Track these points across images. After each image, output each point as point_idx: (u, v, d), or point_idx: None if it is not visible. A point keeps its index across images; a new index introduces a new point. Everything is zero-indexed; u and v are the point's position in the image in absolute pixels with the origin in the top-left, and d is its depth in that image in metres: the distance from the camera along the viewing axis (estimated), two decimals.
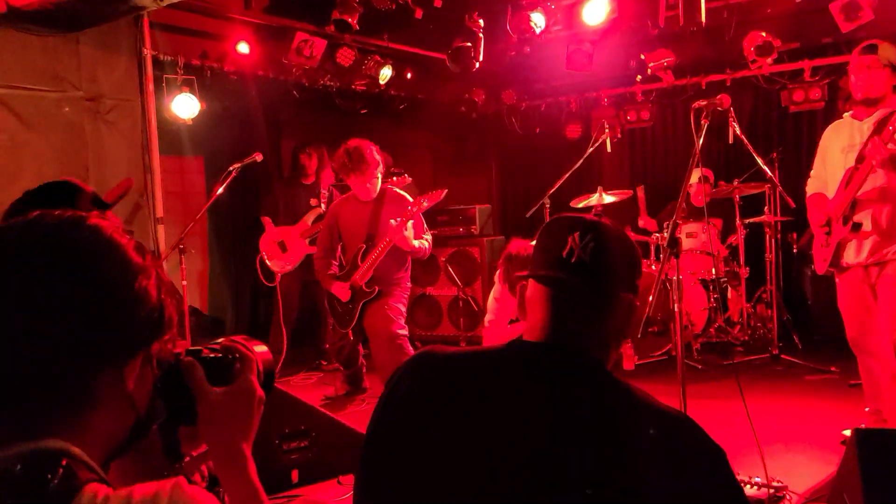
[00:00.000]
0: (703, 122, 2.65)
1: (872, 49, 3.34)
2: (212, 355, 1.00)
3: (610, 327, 1.23)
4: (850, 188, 3.38)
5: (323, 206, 5.74)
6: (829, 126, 3.69)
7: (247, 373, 1.01)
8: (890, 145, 3.13)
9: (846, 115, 3.58)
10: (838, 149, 3.50)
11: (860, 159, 3.33)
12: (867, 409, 3.50)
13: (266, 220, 5.72)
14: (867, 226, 3.34)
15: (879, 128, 3.25)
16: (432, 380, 1.24)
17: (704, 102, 2.70)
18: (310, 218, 5.71)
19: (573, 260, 1.19)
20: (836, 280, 3.57)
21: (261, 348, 1.06)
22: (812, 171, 3.73)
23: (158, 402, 0.94)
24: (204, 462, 1.07)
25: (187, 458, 1.02)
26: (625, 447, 1.09)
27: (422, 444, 1.17)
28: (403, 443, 1.19)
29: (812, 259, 3.76)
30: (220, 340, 1.04)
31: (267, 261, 5.64)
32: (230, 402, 0.98)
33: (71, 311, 0.81)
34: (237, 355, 1.01)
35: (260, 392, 1.01)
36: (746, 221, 5.53)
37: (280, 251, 5.64)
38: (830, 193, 3.55)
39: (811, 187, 3.70)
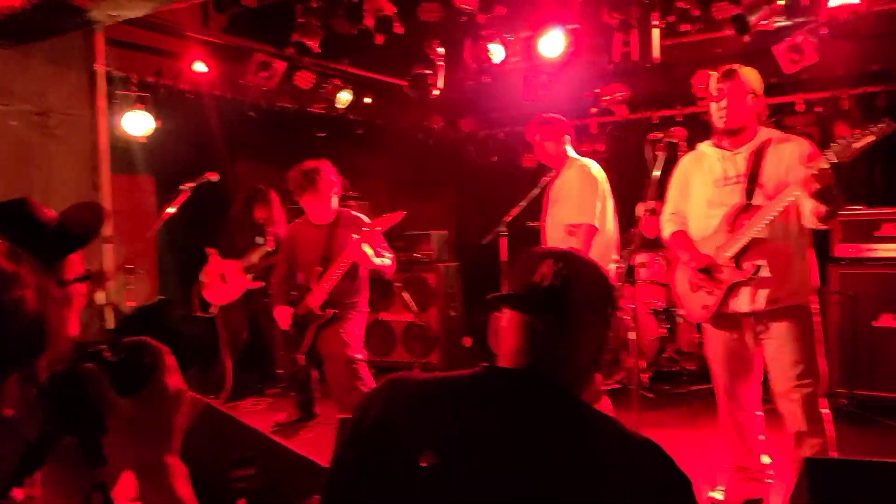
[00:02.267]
0: (657, 153, 2.70)
1: (731, 75, 3.03)
2: (115, 358, 0.86)
3: (581, 354, 1.24)
4: (741, 227, 2.94)
5: (270, 245, 5.50)
6: (686, 157, 3.26)
7: (158, 373, 0.87)
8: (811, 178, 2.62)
9: (703, 144, 3.19)
10: (707, 181, 3.10)
11: (750, 193, 2.94)
12: (728, 466, 3.25)
13: (212, 251, 5.53)
14: (765, 270, 2.90)
15: (758, 158, 2.94)
16: (404, 407, 1.21)
17: (660, 135, 2.73)
18: (255, 255, 5.49)
19: (544, 284, 1.20)
20: (708, 327, 3.17)
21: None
22: (668, 207, 3.29)
23: (56, 420, 0.81)
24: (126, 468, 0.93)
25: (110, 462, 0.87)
26: (594, 474, 1.09)
27: (392, 472, 1.14)
28: (372, 472, 1.16)
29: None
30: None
31: (203, 291, 5.46)
32: (142, 412, 0.85)
33: None
34: (144, 351, 0.88)
35: (174, 387, 0.88)
36: None
37: (221, 283, 5.48)
38: (694, 231, 3.14)
39: (672, 225, 3.25)
